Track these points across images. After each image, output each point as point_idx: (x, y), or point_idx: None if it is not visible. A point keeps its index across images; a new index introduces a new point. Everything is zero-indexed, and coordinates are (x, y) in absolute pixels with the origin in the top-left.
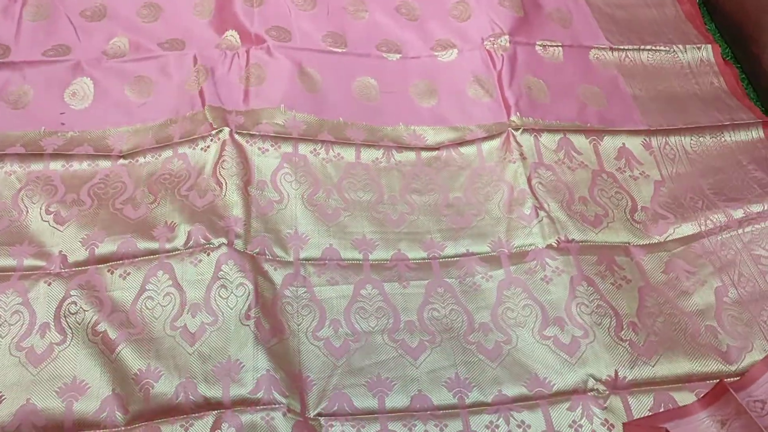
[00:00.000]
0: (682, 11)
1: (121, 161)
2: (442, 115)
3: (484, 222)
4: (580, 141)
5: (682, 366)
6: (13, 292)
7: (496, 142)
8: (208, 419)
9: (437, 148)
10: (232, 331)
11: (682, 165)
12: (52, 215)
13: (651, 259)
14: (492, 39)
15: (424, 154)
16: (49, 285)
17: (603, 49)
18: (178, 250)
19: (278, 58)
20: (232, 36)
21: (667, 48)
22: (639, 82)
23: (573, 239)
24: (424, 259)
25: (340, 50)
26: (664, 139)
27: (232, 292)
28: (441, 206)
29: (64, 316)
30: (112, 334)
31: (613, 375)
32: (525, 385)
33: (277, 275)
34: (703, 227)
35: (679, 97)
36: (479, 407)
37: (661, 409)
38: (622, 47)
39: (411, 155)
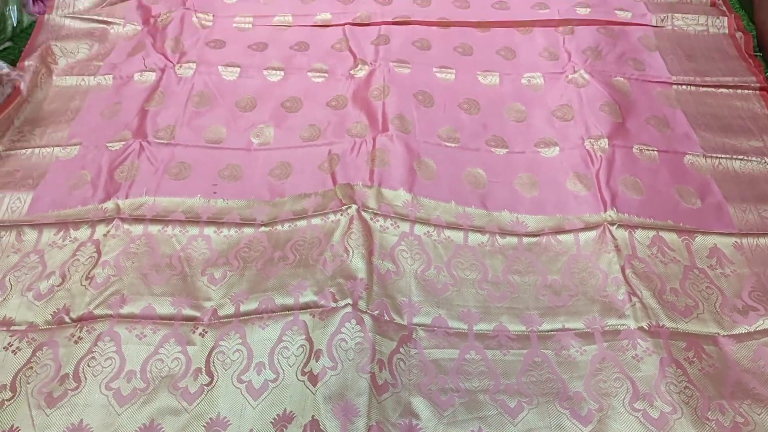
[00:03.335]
0: None
1: (263, 229)
2: (543, 205)
3: (580, 302)
4: (672, 238)
5: None
6: (175, 342)
7: (592, 234)
8: None
9: (538, 235)
10: (350, 379)
11: None
12: (206, 276)
13: (740, 348)
14: (592, 140)
15: (526, 240)
16: (202, 337)
17: (697, 155)
18: (310, 307)
19: (400, 146)
20: (361, 125)
21: (759, 159)
22: (731, 186)
23: (663, 325)
24: (523, 331)
25: (453, 145)
26: (755, 241)
27: (351, 347)
28: (540, 287)
29: (213, 363)
30: (256, 384)
31: None
32: None
33: (394, 335)
34: None
35: None
36: None
37: None
38: (715, 155)
39: (513, 240)
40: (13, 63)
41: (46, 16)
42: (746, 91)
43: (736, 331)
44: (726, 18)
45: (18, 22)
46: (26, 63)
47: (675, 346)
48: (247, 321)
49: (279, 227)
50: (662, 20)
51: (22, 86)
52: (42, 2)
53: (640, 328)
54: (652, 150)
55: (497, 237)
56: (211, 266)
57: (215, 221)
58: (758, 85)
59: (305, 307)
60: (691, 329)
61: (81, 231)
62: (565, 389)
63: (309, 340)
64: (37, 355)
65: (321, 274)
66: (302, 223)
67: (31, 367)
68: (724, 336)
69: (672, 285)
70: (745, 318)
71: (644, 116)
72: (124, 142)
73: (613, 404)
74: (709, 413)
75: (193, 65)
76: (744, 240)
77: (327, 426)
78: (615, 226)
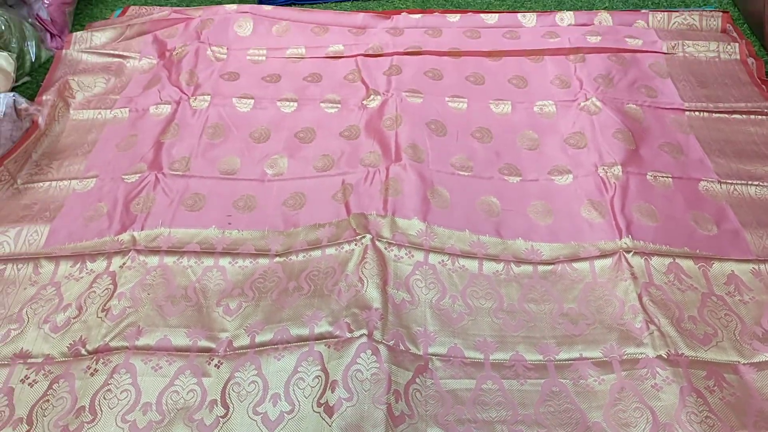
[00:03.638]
0: None
1: (277, 259)
2: (558, 233)
3: (597, 331)
4: (689, 265)
5: None
6: (190, 374)
7: (608, 261)
8: None
9: (553, 263)
10: (366, 411)
11: None
12: (222, 307)
13: (761, 377)
14: (605, 167)
15: (541, 268)
16: (218, 368)
17: (712, 181)
18: (325, 337)
19: (413, 175)
20: (374, 155)
21: None
22: (747, 212)
23: (683, 354)
24: (540, 361)
25: (466, 174)
26: None
27: (367, 378)
28: (556, 315)
29: (229, 395)
30: (272, 416)
31: None
32: None
33: (409, 366)
34: None
35: None
36: None
37: None
38: (730, 181)
39: (528, 269)
40: (31, 98)
41: (63, 51)
42: (760, 117)
43: (757, 359)
44: (737, 44)
45: (36, 57)
46: (44, 97)
47: (695, 374)
48: (263, 352)
49: (293, 257)
50: (673, 47)
51: (40, 120)
52: (60, 37)
53: (659, 357)
54: (667, 176)
55: (512, 265)
56: (226, 297)
57: (230, 252)
58: None
59: (320, 337)
60: (710, 357)
61: (97, 263)
62: (584, 419)
63: (324, 371)
64: (53, 387)
65: (336, 305)
66: (316, 253)
67: (48, 400)
68: (744, 364)
69: (690, 312)
70: (765, 345)
71: (658, 143)
72: (139, 174)
73: None
74: None
75: (208, 97)
76: (762, 266)
77: None
78: (631, 254)
